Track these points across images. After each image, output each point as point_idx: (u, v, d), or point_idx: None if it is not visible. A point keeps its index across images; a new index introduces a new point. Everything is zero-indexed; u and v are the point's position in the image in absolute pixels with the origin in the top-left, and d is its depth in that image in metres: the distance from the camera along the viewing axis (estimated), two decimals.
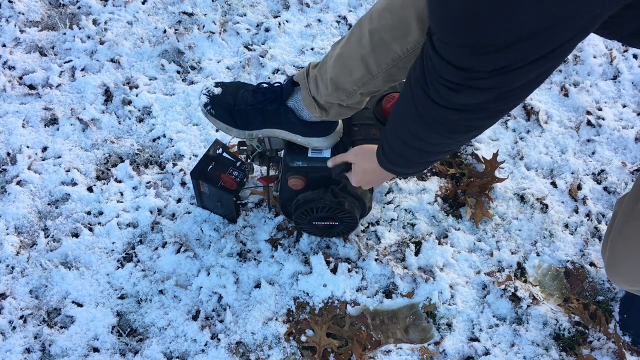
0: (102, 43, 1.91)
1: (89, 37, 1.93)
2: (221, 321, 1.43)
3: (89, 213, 1.59)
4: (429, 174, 1.68)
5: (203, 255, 1.52)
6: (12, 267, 1.50)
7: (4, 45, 1.90)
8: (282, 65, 1.87)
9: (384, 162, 1.03)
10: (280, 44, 1.93)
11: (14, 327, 1.41)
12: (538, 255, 1.54)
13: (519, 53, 0.60)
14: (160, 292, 1.47)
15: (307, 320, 1.42)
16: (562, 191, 1.65)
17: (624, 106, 1.81)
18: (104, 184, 1.64)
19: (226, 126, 1.28)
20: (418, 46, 0.97)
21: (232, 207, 1.51)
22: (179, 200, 1.62)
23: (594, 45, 1.94)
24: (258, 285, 1.48)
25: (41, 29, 1.96)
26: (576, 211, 1.62)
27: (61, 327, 1.42)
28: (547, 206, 1.61)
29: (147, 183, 1.63)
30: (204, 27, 1.96)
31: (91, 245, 1.53)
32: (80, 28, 1.95)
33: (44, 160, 1.68)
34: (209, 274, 1.49)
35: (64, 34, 1.94)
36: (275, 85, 1.24)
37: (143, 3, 2.03)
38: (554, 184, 1.66)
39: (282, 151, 1.39)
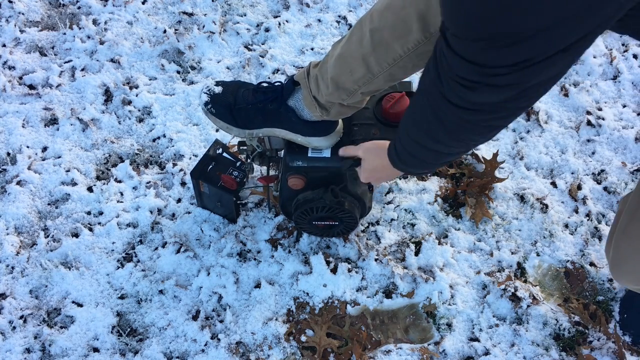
0: (102, 43, 1.91)
1: (89, 37, 1.93)
2: (221, 321, 1.43)
3: (89, 213, 1.59)
4: (428, 174, 1.68)
5: (203, 255, 1.52)
6: (12, 267, 1.50)
7: (4, 45, 1.90)
8: (282, 65, 1.87)
9: (396, 162, 1.02)
10: (280, 44, 1.93)
11: (14, 327, 1.41)
12: (538, 255, 1.54)
13: (541, 45, 0.57)
14: (160, 292, 1.47)
15: (307, 320, 1.42)
16: (562, 191, 1.65)
17: (624, 106, 1.81)
18: (104, 184, 1.64)
19: (227, 125, 1.28)
20: (419, 46, 0.97)
21: (232, 207, 1.51)
22: (179, 200, 1.62)
23: (594, 45, 1.94)
24: (258, 285, 1.48)
25: (41, 29, 1.96)
26: (576, 211, 1.62)
27: (61, 327, 1.42)
28: (547, 206, 1.61)
29: (147, 183, 1.63)
30: (204, 27, 1.96)
31: (91, 245, 1.53)
32: (80, 28, 1.95)
33: (44, 160, 1.68)
34: (209, 274, 1.49)
35: (64, 34, 1.94)
36: (276, 84, 1.24)
37: (143, 3, 2.03)
38: (554, 184, 1.66)
39: (282, 151, 1.39)
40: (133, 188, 1.64)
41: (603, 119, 1.77)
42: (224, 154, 1.50)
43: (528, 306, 1.44)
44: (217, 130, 1.72)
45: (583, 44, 0.59)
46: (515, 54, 0.58)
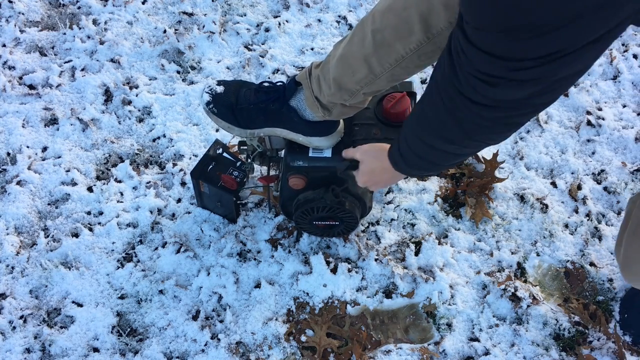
0: (102, 43, 1.91)
1: (89, 37, 1.93)
2: (221, 321, 1.43)
3: (89, 213, 1.59)
4: (429, 175, 1.68)
5: (203, 255, 1.52)
6: (12, 267, 1.50)
7: (4, 45, 1.90)
8: (282, 65, 1.87)
9: (399, 164, 1.00)
10: (280, 44, 1.93)
11: (14, 327, 1.41)
12: (538, 255, 1.54)
13: (571, 36, 0.54)
14: (160, 292, 1.47)
15: (307, 320, 1.42)
16: (562, 191, 1.65)
17: (624, 106, 1.81)
18: (104, 184, 1.64)
19: (228, 125, 1.28)
20: (421, 46, 0.97)
21: (232, 207, 1.51)
22: (179, 200, 1.62)
23: None
24: (258, 285, 1.48)
25: (41, 29, 1.96)
26: (576, 211, 1.62)
27: (61, 327, 1.42)
28: (547, 206, 1.61)
29: (147, 183, 1.63)
30: (204, 27, 1.96)
31: (91, 245, 1.53)
32: (80, 28, 1.95)
33: (44, 160, 1.68)
34: (209, 274, 1.49)
35: (64, 34, 1.94)
36: (278, 84, 1.24)
37: (143, 3, 2.03)
38: (554, 184, 1.66)
39: (283, 151, 1.39)
40: (133, 188, 1.64)
41: (603, 119, 1.77)
42: (224, 154, 1.50)
43: (528, 306, 1.44)
44: (217, 130, 1.72)
45: (614, 34, 0.56)
46: (542, 46, 0.55)
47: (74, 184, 1.63)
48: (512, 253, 1.54)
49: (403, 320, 1.44)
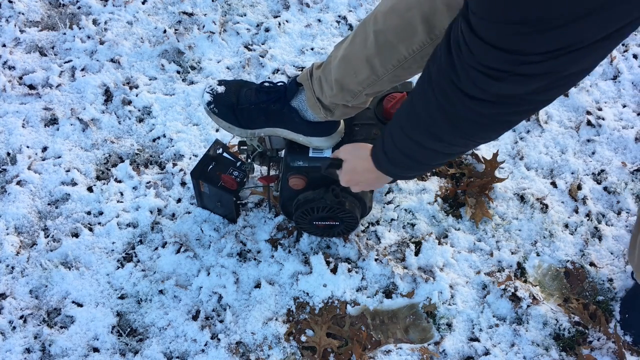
0: (102, 43, 1.91)
1: (89, 37, 1.93)
2: (221, 321, 1.43)
3: (89, 213, 1.59)
4: (429, 174, 1.68)
5: (203, 255, 1.52)
6: (12, 267, 1.50)
7: (4, 45, 1.90)
8: (282, 65, 1.87)
9: (383, 164, 0.97)
10: (280, 44, 1.93)
11: (14, 327, 1.41)
12: (538, 255, 1.54)
13: (583, 31, 0.52)
14: (160, 292, 1.47)
15: (307, 320, 1.42)
16: (562, 191, 1.65)
17: (624, 106, 1.81)
18: (104, 184, 1.64)
19: (229, 125, 1.28)
20: (424, 47, 0.97)
21: (232, 207, 1.51)
22: (179, 200, 1.62)
23: None
24: (258, 285, 1.48)
25: (41, 29, 1.96)
26: (576, 211, 1.62)
27: (61, 327, 1.42)
28: (547, 206, 1.61)
29: (147, 183, 1.63)
30: (204, 27, 1.96)
31: (91, 245, 1.53)
32: (80, 28, 1.95)
33: (44, 160, 1.68)
34: (209, 274, 1.49)
35: (64, 34, 1.94)
36: (279, 84, 1.24)
37: (143, 3, 2.03)
38: (554, 184, 1.66)
39: (283, 151, 1.39)
40: (133, 188, 1.64)
41: (603, 119, 1.77)
42: (224, 154, 1.50)
43: (528, 306, 1.44)
44: (217, 130, 1.72)
45: (623, 32, 0.55)
46: (552, 41, 0.53)
47: (74, 184, 1.63)
48: (512, 253, 1.54)
49: (403, 320, 1.44)
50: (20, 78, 1.84)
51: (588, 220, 1.60)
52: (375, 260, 1.51)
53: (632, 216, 1.60)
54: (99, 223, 1.57)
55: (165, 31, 1.94)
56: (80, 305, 1.45)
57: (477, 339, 1.41)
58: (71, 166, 1.66)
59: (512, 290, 1.46)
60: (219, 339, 1.40)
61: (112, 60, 1.88)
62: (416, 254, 1.53)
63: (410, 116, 0.83)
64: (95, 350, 1.39)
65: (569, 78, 0.61)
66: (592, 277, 1.51)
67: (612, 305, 1.46)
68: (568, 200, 1.64)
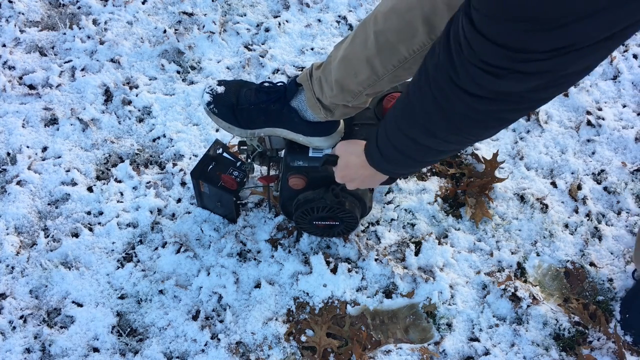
0: (102, 43, 1.91)
1: (89, 37, 1.93)
2: (221, 321, 1.43)
3: (89, 213, 1.59)
4: (428, 174, 1.68)
5: (203, 255, 1.52)
6: (12, 267, 1.50)
7: (4, 45, 1.90)
8: (282, 65, 1.87)
9: (377, 160, 0.97)
10: (280, 44, 1.93)
11: (14, 327, 1.41)
12: (538, 255, 1.54)
13: (587, 31, 0.52)
14: (160, 292, 1.47)
15: (307, 320, 1.42)
16: (562, 191, 1.65)
17: (624, 106, 1.81)
18: (104, 184, 1.64)
19: (229, 125, 1.28)
20: (424, 47, 0.96)
21: (232, 207, 1.51)
22: (179, 200, 1.62)
23: None
24: (258, 285, 1.48)
25: (41, 29, 1.96)
26: (576, 211, 1.62)
27: (61, 327, 1.42)
28: (547, 206, 1.61)
29: (147, 183, 1.63)
30: (204, 27, 1.96)
31: (91, 245, 1.53)
32: (80, 28, 1.95)
33: (44, 160, 1.68)
34: (209, 274, 1.49)
35: (64, 34, 1.94)
36: (279, 85, 1.24)
37: (143, 3, 2.03)
38: (554, 184, 1.66)
39: (283, 151, 1.39)
40: (133, 188, 1.64)
41: (603, 119, 1.77)
42: (224, 154, 1.50)
43: (528, 306, 1.44)
44: (217, 130, 1.72)
45: (629, 31, 0.55)
46: (555, 39, 0.53)
47: (74, 184, 1.63)
48: (512, 253, 1.54)
49: (403, 320, 1.44)
50: (20, 78, 1.84)
51: (588, 220, 1.60)
52: (375, 260, 1.51)
53: (632, 216, 1.60)
54: (99, 223, 1.57)
55: (165, 31, 1.94)
56: (80, 305, 1.45)
57: (477, 339, 1.41)
58: (71, 166, 1.66)
59: (512, 290, 1.46)
60: (219, 339, 1.40)
61: (112, 60, 1.88)
62: (416, 254, 1.53)
63: (405, 112, 0.82)
64: (95, 350, 1.39)
65: (569, 77, 0.61)
66: (592, 277, 1.51)
67: (612, 305, 1.46)
68: (568, 200, 1.64)
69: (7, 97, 1.79)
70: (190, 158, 1.68)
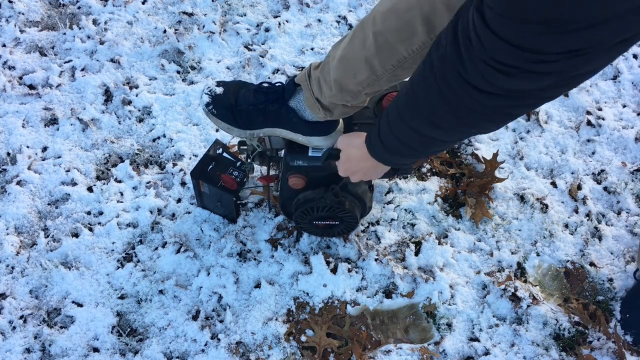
0: (102, 43, 1.91)
1: (89, 37, 1.93)
2: (221, 321, 1.43)
3: (89, 213, 1.59)
4: (428, 174, 1.68)
5: (203, 255, 1.52)
6: (12, 267, 1.50)
7: (4, 45, 1.90)
8: (282, 65, 1.87)
9: (378, 151, 0.97)
10: (280, 44, 1.93)
11: (14, 327, 1.41)
12: (538, 255, 1.54)
13: (603, 33, 0.52)
14: (160, 292, 1.47)
15: (307, 320, 1.42)
16: (562, 191, 1.65)
17: (624, 106, 1.81)
18: (104, 184, 1.64)
19: (228, 126, 1.28)
20: (423, 47, 0.97)
21: (232, 207, 1.51)
22: (179, 200, 1.62)
23: None
24: (258, 285, 1.48)
25: (41, 29, 1.96)
26: (576, 211, 1.62)
27: (61, 327, 1.42)
28: (547, 206, 1.61)
29: (147, 183, 1.63)
30: (204, 27, 1.96)
31: (91, 245, 1.53)
32: (80, 28, 1.95)
33: (44, 160, 1.68)
34: (209, 274, 1.49)
35: (64, 34, 1.94)
36: (277, 85, 1.24)
37: (143, 3, 2.03)
38: (554, 184, 1.66)
39: (283, 150, 1.39)
40: (133, 188, 1.64)
41: (603, 119, 1.77)
42: (224, 154, 1.50)
43: (528, 306, 1.44)
44: (217, 130, 1.72)
45: (639, 37, 0.55)
46: (570, 42, 0.53)
47: (74, 184, 1.63)
48: (512, 253, 1.54)
49: (403, 320, 1.44)
50: (20, 78, 1.84)
51: (588, 220, 1.60)
52: (375, 260, 1.51)
53: (632, 216, 1.60)
54: (99, 223, 1.57)
55: (165, 31, 1.94)
56: (80, 305, 1.45)
57: (477, 339, 1.41)
58: (71, 166, 1.66)
59: (512, 290, 1.46)
60: (219, 339, 1.40)
61: (112, 60, 1.88)
62: (416, 254, 1.53)
63: (409, 103, 0.82)
64: (95, 350, 1.39)
65: (579, 77, 0.61)
66: (592, 277, 1.51)
67: (612, 305, 1.46)
68: (568, 200, 1.64)
69: (7, 97, 1.79)
70: (190, 158, 1.68)
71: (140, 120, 1.77)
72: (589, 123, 1.77)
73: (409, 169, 1.33)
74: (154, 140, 1.73)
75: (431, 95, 0.74)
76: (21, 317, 1.43)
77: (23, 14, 1.98)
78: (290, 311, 1.44)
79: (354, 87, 1.07)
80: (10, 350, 1.38)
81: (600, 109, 1.80)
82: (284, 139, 1.31)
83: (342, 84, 1.07)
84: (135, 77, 1.84)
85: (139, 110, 1.78)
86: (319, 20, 1.99)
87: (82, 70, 1.85)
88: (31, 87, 1.83)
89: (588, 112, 1.79)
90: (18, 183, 1.62)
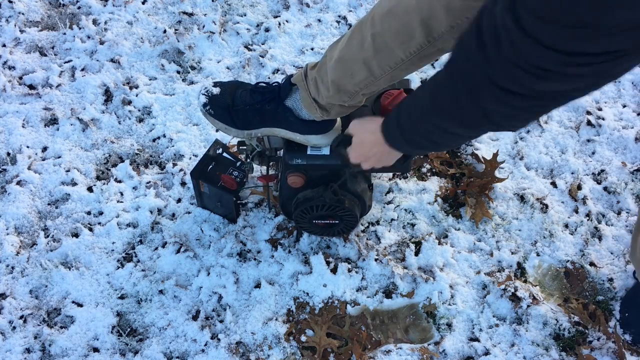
0: (102, 43, 1.91)
1: (89, 37, 1.93)
2: (221, 321, 1.43)
3: (89, 213, 1.59)
4: (428, 174, 1.68)
5: (203, 255, 1.52)
6: (12, 267, 1.50)
7: (4, 45, 1.90)
8: (282, 65, 1.87)
9: (397, 140, 0.94)
10: (280, 44, 1.93)
11: (14, 327, 1.41)
12: (538, 255, 1.54)
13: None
14: (160, 292, 1.47)
15: (307, 320, 1.42)
16: (562, 191, 1.65)
17: (624, 106, 1.81)
18: (104, 184, 1.64)
19: (225, 126, 1.28)
20: (422, 50, 0.97)
21: (232, 207, 1.51)
22: (179, 200, 1.62)
23: None
24: (258, 285, 1.48)
25: (41, 29, 1.96)
26: (576, 211, 1.62)
27: (61, 327, 1.42)
28: (547, 206, 1.61)
29: (147, 183, 1.63)
30: (204, 27, 1.96)
31: (91, 245, 1.53)
32: (80, 28, 1.95)
33: (44, 160, 1.68)
34: (209, 274, 1.49)
35: (64, 34, 1.94)
36: (273, 84, 1.24)
37: (143, 3, 2.03)
38: (554, 184, 1.66)
39: (282, 150, 1.40)
40: (133, 188, 1.64)
41: (603, 119, 1.77)
42: (224, 154, 1.50)
43: (528, 306, 1.44)
44: (217, 130, 1.72)
45: None
46: (611, 44, 0.53)
47: (74, 184, 1.63)
48: (512, 253, 1.54)
49: (403, 320, 1.44)
50: (20, 78, 1.84)
51: (588, 220, 1.60)
52: (375, 260, 1.51)
53: (632, 216, 1.60)
54: (99, 223, 1.57)
55: (165, 31, 1.94)
56: (80, 305, 1.45)
57: (477, 339, 1.41)
58: (71, 166, 1.66)
59: (512, 290, 1.46)
60: (219, 339, 1.40)
61: (112, 60, 1.88)
62: (416, 254, 1.53)
63: (435, 104, 0.80)
64: (95, 350, 1.39)
65: (612, 77, 0.61)
66: (592, 277, 1.51)
67: (612, 305, 1.46)
68: (568, 200, 1.64)
69: (7, 97, 1.79)
70: (190, 158, 1.68)
71: (140, 120, 1.77)
72: (589, 123, 1.76)
73: (409, 166, 1.33)
74: (154, 140, 1.73)
75: (459, 97, 0.73)
76: (21, 317, 1.43)
77: (23, 14, 1.98)
78: (290, 311, 1.44)
79: (351, 87, 1.07)
80: (10, 350, 1.38)
81: (600, 109, 1.80)
82: (283, 139, 1.31)
83: (339, 84, 1.08)
84: (135, 77, 1.84)
85: (139, 110, 1.78)
86: (319, 20, 1.99)
87: (82, 70, 1.85)
88: (31, 87, 1.83)
89: (588, 112, 1.79)
90: (18, 183, 1.62)
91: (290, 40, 1.94)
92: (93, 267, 1.50)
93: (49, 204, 1.61)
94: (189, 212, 1.58)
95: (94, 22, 1.97)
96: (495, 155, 1.62)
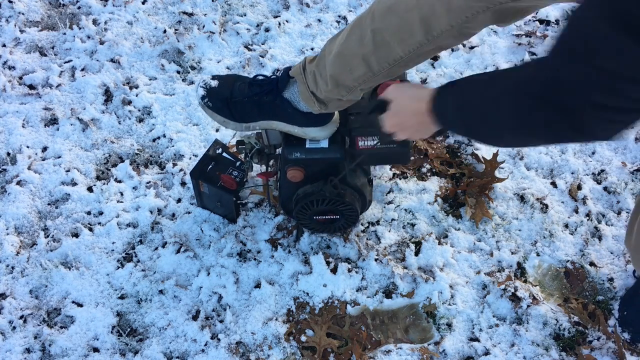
0: (102, 43, 1.91)
1: (89, 37, 1.93)
2: (221, 321, 1.43)
3: (89, 213, 1.59)
4: (428, 174, 1.68)
5: (203, 255, 1.52)
6: (12, 267, 1.50)
7: (4, 45, 1.90)
8: (282, 65, 1.87)
9: (445, 117, 0.87)
10: (280, 44, 1.93)
11: (14, 327, 1.41)
12: (538, 255, 1.54)
13: None
14: (160, 292, 1.47)
15: (307, 320, 1.42)
16: (562, 191, 1.65)
17: None
18: (104, 184, 1.64)
19: (223, 119, 1.28)
20: (421, 47, 0.97)
21: (232, 207, 1.51)
22: (179, 200, 1.62)
23: None
24: (258, 285, 1.48)
25: (41, 29, 1.96)
26: (576, 211, 1.62)
27: (61, 327, 1.42)
28: (547, 206, 1.61)
29: (147, 183, 1.63)
30: (204, 27, 1.96)
31: (91, 245, 1.53)
32: (80, 28, 1.95)
33: (44, 160, 1.68)
34: (209, 274, 1.49)
35: (64, 34, 1.94)
36: (271, 77, 1.24)
37: (143, 3, 2.03)
38: (554, 184, 1.66)
39: (280, 148, 1.40)
40: (133, 188, 1.64)
41: None
42: (224, 154, 1.50)
43: (528, 306, 1.44)
44: (217, 130, 1.72)
45: None
46: None
47: (74, 184, 1.63)
48: (512, 253, 1.54)
49: (403, 320, 1.44)
50: (20, 78, 1.84)
51: (588, 220, 1.60)
52: (375, 260, 1.51)
53: None
54: (99, 223, 1.57)
55: (165, 31, 1.94)
56: (80, 305, 1.45)
57: (477, 339, 1.41)
58: (71, 166, 1.66)
59: (512, 290, 1.46)
60: (219, 339, 1.40)
61: (112, 60, 1.88)
62: (416, 254, 1.53)
63: (522, 124, 0.73)
64: (95, 350, 1.39)
65: None
66: (592, 277, 1.51)
67: (612, 305, 1.46)
68: (568, 200, 1.64)
69: (7, 97, 1.79)
70: (190, 158, 1.68)
71: (140, 120, 1.77)
72: None
73: (409, 156, 1.28)
74: (154, 140, 1.73)
75: (507, 117, 0.71)
76: (21, 317, 1.43)
77: (23, 14, 1.98)
78: (290, 311, 1.45)
79: (350, 82, 1.07)
80: (10, 350, 1.38)
81: None
82: (281, 134, 1.31)
83: (338, 79, 1.08)
84: (135, 77, 1.84)
85: (139, 110, 1.78)
86: (319, 20, 1.99)
87: (82, 70, 1.85)
88: (31, 87, 1.83)
89: None
90: (18, 183, 1.63)
91: (290, 40, 1.94)
92: (93, 267, 1.50)
93: (49, 204, 1.61)
94: (189, 212, 1.59)
95: (94, 22, 1.97)
96: (495, 155, 1.62)
